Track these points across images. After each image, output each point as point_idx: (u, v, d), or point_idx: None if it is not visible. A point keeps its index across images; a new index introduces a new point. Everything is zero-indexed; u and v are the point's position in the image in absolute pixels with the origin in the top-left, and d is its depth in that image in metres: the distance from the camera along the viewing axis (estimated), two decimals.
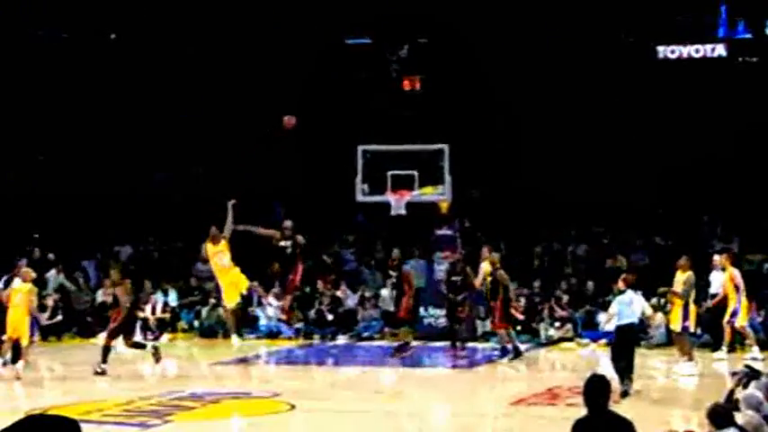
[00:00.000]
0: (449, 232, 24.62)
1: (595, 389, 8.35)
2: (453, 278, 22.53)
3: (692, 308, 18.66)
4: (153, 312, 25.61)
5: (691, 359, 18.36)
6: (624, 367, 15.98)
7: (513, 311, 21.39)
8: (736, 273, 20.02)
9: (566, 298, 23.78)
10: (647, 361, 19.70)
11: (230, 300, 19.93)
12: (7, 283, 21.27)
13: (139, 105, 29.13)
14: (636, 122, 27.10)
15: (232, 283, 19.67)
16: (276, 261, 20.58)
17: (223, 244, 19.52)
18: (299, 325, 25.50)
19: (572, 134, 27.42)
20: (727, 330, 20.18)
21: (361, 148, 23.03)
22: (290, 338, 24.93)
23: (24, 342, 18.99)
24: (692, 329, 18.80)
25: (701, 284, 20.44)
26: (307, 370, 21.58)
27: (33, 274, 20.12)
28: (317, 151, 26.92)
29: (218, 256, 19.59)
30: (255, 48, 27.24)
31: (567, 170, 27.29)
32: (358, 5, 25.91)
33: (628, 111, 27.16)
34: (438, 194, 23.30)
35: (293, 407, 15.95)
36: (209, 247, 19.83)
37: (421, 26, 26.77)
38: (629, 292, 16.77)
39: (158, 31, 26.67)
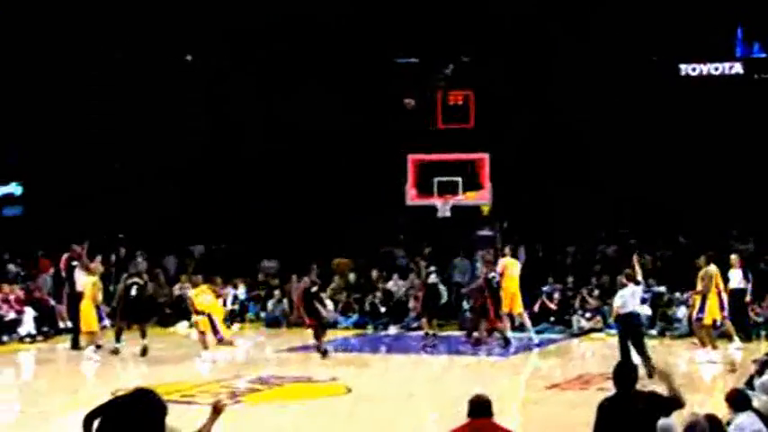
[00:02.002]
0: (489, 233, 24.60)
1: (623, 372, 8.65)
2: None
3: (712, 301, 18.60)
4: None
5: (714, 348, 18.28)
6: (640, 351, 16.33)
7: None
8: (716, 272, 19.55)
9: (596, 292, 23.67)
10: (671, 349, 19.60)
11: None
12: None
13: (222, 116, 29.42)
14: (661, 134, 26.95)
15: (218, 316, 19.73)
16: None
17: (204, 287, 19.69)
18: (355, 316, 25.59)
19: (602, 144, 27.29)
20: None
21: (410, 157, 23.07)
22: (346, 329, 24.99)
23: (94, 329, 19.27)
24: (707, 321, 18.70)
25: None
26: (361, 357, 21.58)
27: (101, 269, 20.35)
28: (371, 160, 26.97)
29: (201, 296, 19.66)
30: (323, 68, 27.34)
31: (597, 177, 27.19)
32: (407, 30, 25.92)
33: (654, 123, 27.01)
34: (479, 199, 23.30)
35: (350, 390, 15.98)
36: (193, 291, 20.14)
37: (464, 46, 26.72)
38: (631, 286, 17.09)
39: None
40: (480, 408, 7.88)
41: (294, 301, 21.92)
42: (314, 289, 20.38)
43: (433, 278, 23.26)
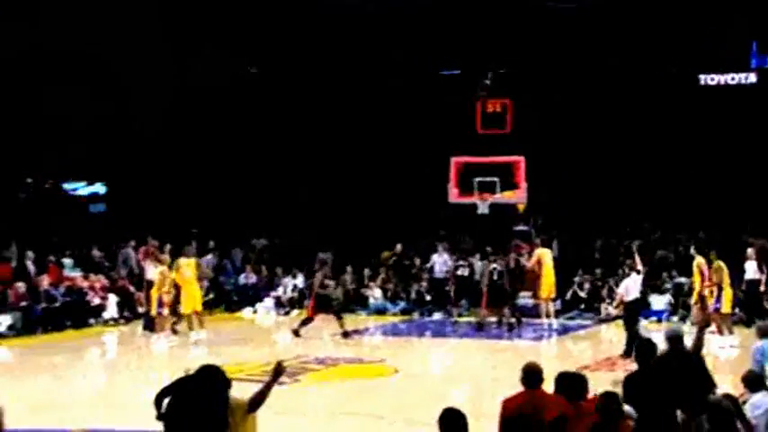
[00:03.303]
0: (525, 228, 24.42)
1: (644, 350, 8.81)
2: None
3: (727, 291, 18.43)
4: (284, 293, 25.83)
5: (731, 333, 18.07)
6: (630, 332, 16.75)
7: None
8: (702, 262, 19.30)
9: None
10: (691, 335, 19.26)
11: (187, 307, 19.53)
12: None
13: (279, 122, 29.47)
14: (682, 138, 26.72)
15: (191, 294, 19.33)
16: None
17: (193, 260, 19.32)
18: (402, 303, 25.50)
19: (628, 147, 27.11)
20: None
21: (453, 159, 22.95)
22: (394, 314, 24.91)
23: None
24: (725, 310, 18.49)
25: (737, 272, 20.29)
26: (408, 341, 21.50)
27: (168, 260, 20.37)
28: (418, 162, 26.93)
29: (184, 268, 19.39)
30: (378, 78, 27.33)
31: (623, 178, 27.00)
32: (450, 45, 25.84)
33: (675, 128, 26.81)
34: (515, 197, 23.14)
35: (397, 370, 15.94)
36: (181, 260, 19.73)
37: (501, 59, 26.57)
38: (633, 275, 17.52)
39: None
40: (533, 377, 7.67)
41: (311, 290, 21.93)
42: (322, 278, 20.57)
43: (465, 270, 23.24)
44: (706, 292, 18.68)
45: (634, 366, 9.25)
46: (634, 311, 17.43)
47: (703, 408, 7.74)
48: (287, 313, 24.22)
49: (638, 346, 9.10)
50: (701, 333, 10.58)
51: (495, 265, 21.33)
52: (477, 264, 23.27)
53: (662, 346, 9.39)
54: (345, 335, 19.93)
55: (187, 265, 19.54)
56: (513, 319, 21.22)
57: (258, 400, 7.07)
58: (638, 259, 18.00)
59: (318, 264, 21.02)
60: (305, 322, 20.30)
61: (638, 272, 17.72)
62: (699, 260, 18.98)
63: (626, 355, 15.94)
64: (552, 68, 26.71)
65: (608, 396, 7.39)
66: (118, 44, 23.87)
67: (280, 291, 25.91)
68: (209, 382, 6.76)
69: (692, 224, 25.84)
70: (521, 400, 7.48)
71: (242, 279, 26.90)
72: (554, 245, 22.59)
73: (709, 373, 9.18)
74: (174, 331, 19.66)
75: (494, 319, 21.36)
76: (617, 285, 23.35)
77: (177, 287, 19.75)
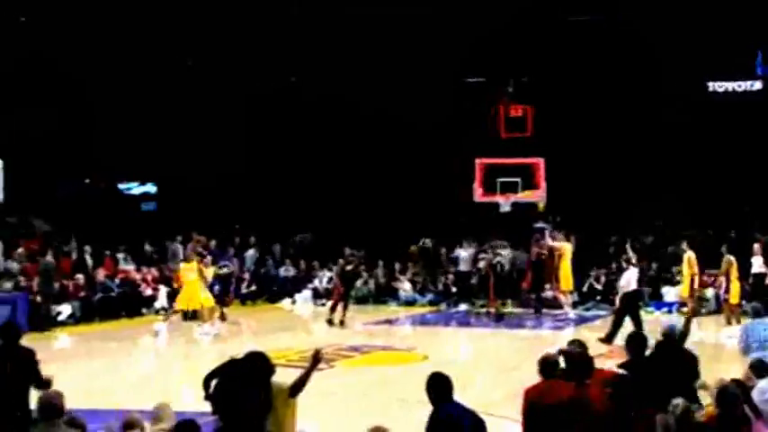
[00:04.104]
0: (543, 225, 24.35)
1: (635, 341, 8.86)
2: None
3: (735, 284, 18.36)
4: (320, 284, 25.90)
5: (738, 323, 17.96)
6: (634, 320, 16.88)
7: None
8: (692, 256, 19.29)
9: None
10: (702, 325, 19.15)
11: (180, 305, 19.33)
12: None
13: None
14: (691, 142, 26.55)
15: (190, 296, 18.99)
16: None
17: (193, 264, 19.14)
18: (430, 295, 25.49)
19: (640, 150, 26.96)
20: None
21: (477, 161, 22.92)
22: (423, 305, 24.91)
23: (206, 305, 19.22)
24: (733, 301, 18.45)
25: (747, 265, 20.59)
26: (436, 330, 21.50)
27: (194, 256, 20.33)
28: (445, 164, 26.90)
29: (187, 271, 19.13)
30: (406, 84, 27.30)
31: (636, 178, 26.87)
32: (476, 54, 25.77)
33: (685, 132, 26.64)
34: (536, 197, 23.08)
35: (426, 357, 15.94)
36: (183, 264, 19.64)
37: (523, 68, 26.49)
38: (632, 269, 17.62)
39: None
40: (550, 367, 7.67)
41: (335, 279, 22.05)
42: (348, 267, 20.69)
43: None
44: (696, 284, 18.87)
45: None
46: (633, 301, 17.57)
47: (690, 396, 7.86)
48: (323, 304, 24.30)
49: (629, 338, 9.07)
50: (688, 322, 10.63)
51: (499, 259, 21.45)
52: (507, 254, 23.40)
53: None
54: (330, 322, 20.08)
55: (189, 268, 19.22)
56: (492, 310, 21.56)
57: (299, 386, 7.11)
58: (631, 254, 18.13)
59: (344, 258, 21.33)
60: (333, 308, 20.42)
61: (635, 265, 17.85)
62: (689, 254, 19.05)
63: (607, 340, 16.14)
64: (571, 76, 26.59)
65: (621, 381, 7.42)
66: (169, 49, 23.97)
67: (316, 282, 26.01)
68: (255, 366, 6.81)
69: (702, 222, 25.69)
70: (541, 390, 7.51)
71: (282, 272, 27.02)
72: (572, 240, 22.48)
73: (697, 366, 8.98)
74: (223, 319, 19.81)
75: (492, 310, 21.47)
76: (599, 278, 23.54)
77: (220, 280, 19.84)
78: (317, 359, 7.38)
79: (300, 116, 29.29)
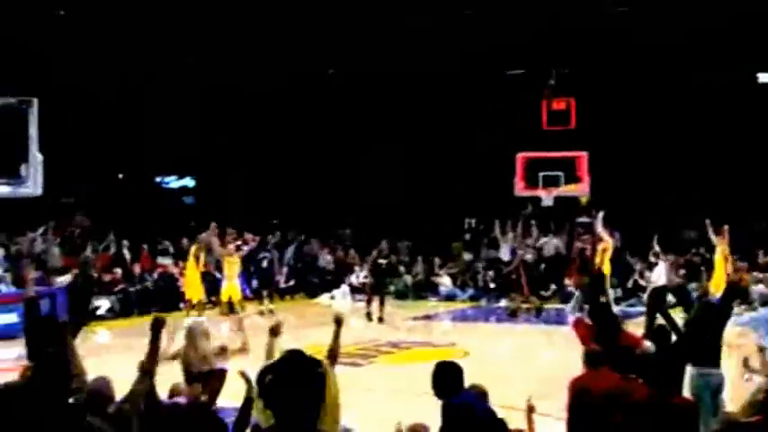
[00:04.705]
0: (587, 220, 24.14)
1: (660, 333, 8.96)
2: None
3: None
4: (357, 279, 25.92)
5: None
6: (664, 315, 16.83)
7: None
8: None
9: (681, 271, 23.02)
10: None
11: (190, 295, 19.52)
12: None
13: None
14: (739, 134, 26.23)
15: (195, 285, 19.31)
16: None
17: (195, 249, 19.36)
18: (470, 291, 25.42)
19: (686, 143, 26.67)
20: None
21: (519, 155, 22.79)
22: (463, 301, 24.84)
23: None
24: None
25: None
26: (476, 326, 21.44)
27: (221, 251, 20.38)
28: (487, 158, 26.83)
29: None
30: (450, 79, 27.26)
31: (681, 172, 26.60)
32: (516, 46, 25.61)
33: (732, 124, 26.32)
34: (579, 191, 22.91)
35: (467, 353, 15.87)
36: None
37: (564, 60, 26.27)
38: (662, 263, 18.01)
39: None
40: (595, 358, 7.73)
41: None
42: (380, 261, 20.70)
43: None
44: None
45: None
46: (661, 296, 17.69)
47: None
48: (361, 300, 24.31)
49: (654, 330, 9.26)
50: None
51: (529, 255, 21.53)
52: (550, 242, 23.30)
53: None
54: (368, 316, 20.14)
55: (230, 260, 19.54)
56: (530, 305, 21.71)
57: (335, 352, 7.22)
58: (658, 248, 18.36)
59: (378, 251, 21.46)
60: (369, 301, 20.43)
61: (665, 260, 18.02)
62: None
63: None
64: (614, 67, 26.33)
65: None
66: (206, 45, 24.07)
67: (353, 278, 26.02)
68: (308, 361, 6.80)
69: (743, 216, 25.43)
70: (586, 379, 7.55)
71: (321, 263, 27.13)
72: (616, 235, 22.31)
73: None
74: (261, 313, 19.90)
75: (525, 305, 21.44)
76: (676, 274, 23.19)
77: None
78: (339, 321, 7.42)
79: (339, 108, 29.30)
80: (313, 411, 4.24)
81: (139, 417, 6.28)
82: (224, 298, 18.95)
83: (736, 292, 9.90)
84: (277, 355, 7.08)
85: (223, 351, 8.47)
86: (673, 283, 18.25)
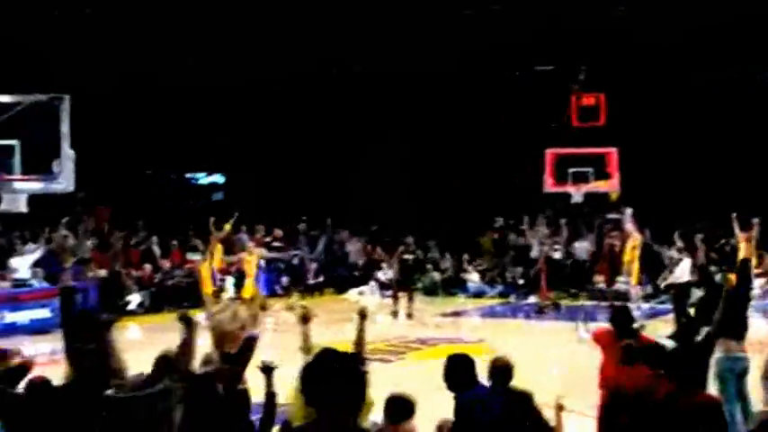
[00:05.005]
0: (617, 216, 24.08)
1: (685, 329, 9.22)
2: None
3: None
4: (384, 275, 25.99)
5: None
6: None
7: None
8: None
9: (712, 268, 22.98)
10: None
11: (245, 293, 19.59)
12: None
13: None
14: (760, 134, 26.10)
15: (205, 280, 19.27)
16: None
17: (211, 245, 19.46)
18: (499, 287, 25.43)
19: (715, 139, 26.50)
20: None
21: (548, 151, 22.76)
22: (491, 297, 24.84)
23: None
24: None
25: None
26: (505, 322, 21.44)
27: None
28: (516, 154, 26.82)
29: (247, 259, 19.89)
30: (480, 76, 27.26)
31: (711, 169, 26.44)
32: (545, 43, 25.54)
33: (761, 123, 26.16)
34: (609, 187, 22.84)
35: (495, 350, 15.86)
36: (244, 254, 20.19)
37: (594, 56, 26.20)
38: (686, 260, 18.14)
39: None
40: (631, 355, 7.75)
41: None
42: (406, 257, 20.78)
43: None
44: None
45: None
46: (685, 293, 17.70)
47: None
48: (389, 296, 24.39)
49: (680, 326, 9.22)
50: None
51: (557, 254, 21.56)
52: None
53: None
54: (394, 314, 20.23)
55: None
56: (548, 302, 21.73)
57: (360, 346, 7.35)
58: (680, 243, 18.54)
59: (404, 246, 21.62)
60: (395, 297, 20.55)
61: (689, 256, 18.25)
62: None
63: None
64: (644, 63, 26.21)
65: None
66: (239, 41, 24.20)
67: (380, 274, 26.08)
68: (350, 357, 6.88)
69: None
70: (619, 376, 7.57)
71: (351, 258, 27.25)
72: (646, 232, 22.22)
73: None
74: (290, 308, 20.02)
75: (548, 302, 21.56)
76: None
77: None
78: (363, 315, 7.50)
79: (368, 105, 29.35)
80: (357, 409, 4.32)
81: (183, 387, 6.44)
82: (245, 294, 19.07)
83: (749, 270, 9.83)
84: (313, 343, 7.20)
85: (253, 318, 8.63)
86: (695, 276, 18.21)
